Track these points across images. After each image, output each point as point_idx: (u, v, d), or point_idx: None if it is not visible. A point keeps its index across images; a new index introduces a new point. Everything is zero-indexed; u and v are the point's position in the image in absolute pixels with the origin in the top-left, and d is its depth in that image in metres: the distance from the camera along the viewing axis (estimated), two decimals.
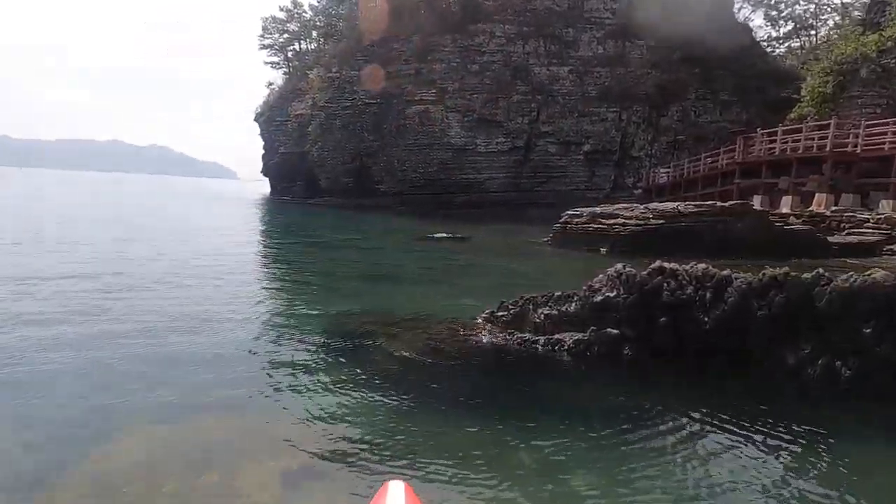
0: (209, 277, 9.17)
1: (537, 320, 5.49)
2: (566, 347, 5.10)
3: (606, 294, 5.14)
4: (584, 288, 5.37)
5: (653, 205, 15.71)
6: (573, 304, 5.30)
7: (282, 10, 63.38)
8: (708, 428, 4.16)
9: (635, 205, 16.10)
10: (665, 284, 5.01)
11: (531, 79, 38.61)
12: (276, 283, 9.61)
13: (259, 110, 58.94)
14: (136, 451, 3.44)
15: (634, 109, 38.98)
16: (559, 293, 5.56)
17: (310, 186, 45.88)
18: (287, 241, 17.27)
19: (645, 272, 5.21)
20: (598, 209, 15.77)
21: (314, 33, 60.80)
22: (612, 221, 15.03)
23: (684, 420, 4.25)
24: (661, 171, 36.37)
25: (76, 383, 4.55)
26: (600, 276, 5.41)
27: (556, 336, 5.20)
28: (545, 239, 16.85)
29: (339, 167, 42.27)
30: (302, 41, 62.81)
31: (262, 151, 58.08)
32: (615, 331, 4.97)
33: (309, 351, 5.56)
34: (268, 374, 4.97)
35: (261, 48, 64.74)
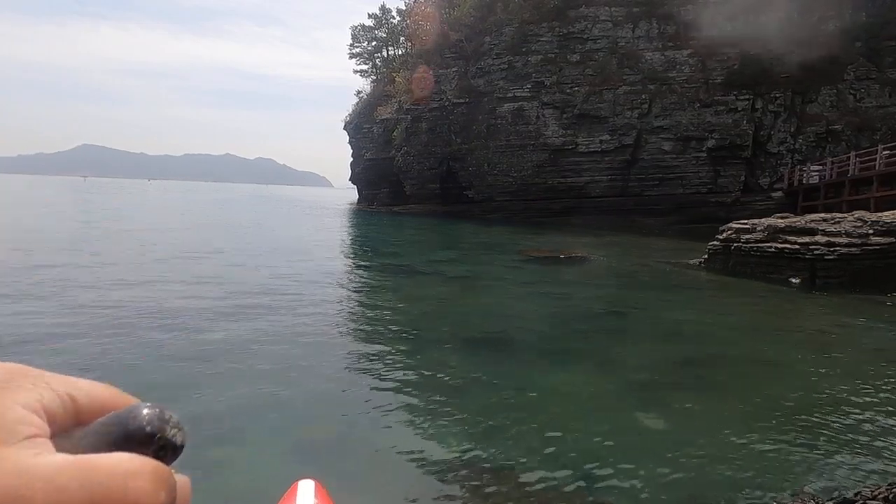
0: (238, 355, 5.93)
1: None
2: None
3: None
4: None
5: (868, 215, 10.80)
6: None
7: (370, 17, 63.19)
8: None
9: (836, 214, 11.24)
10: None
11: (642, 66, 33.51)
12: (329, 359, 5.71)
13: (348, 118, 58.84)
14: None
15: (772, 96, 32.51)
16: None
17: (395, 193, 44.00)
18: (362, 266, 13.38)
19: None
20: (779, 221, 11.16)
21: (401, 38, 59.67)
22: (807, 239, 10.40)
23: None
24: (813, 168, 29.54)
25: None
26: None
27: None
28: (695, 261, 12.47)
29: (425, 172, 39.78)
30: (390, 47, 62.05)
31: (351, 159, 57.84)
32: None
33: None
34: None
35: (350, 57, 65.05)
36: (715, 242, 11.84)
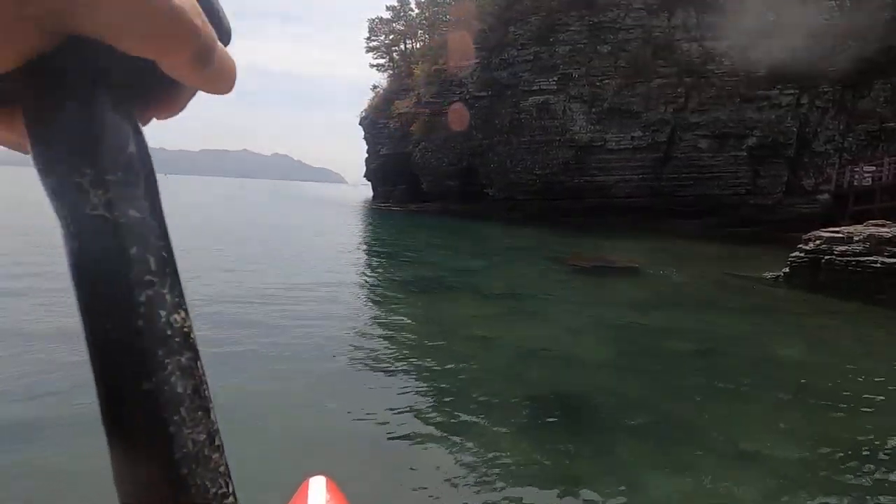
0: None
1: None
2: None
3: None
4: None
5: None
6: None
7: (388, 9, 61.57)
8: None
9: None
10: None
11: (678, 58, 31.34)
12: (339, 432, 3.96)
13: (363, 113, 57.39)
14: None
15: (820, 90, 30.16)
16: None
17: (411, 190, 42.40)
18: (384, 280, 11.18)
19: None
20: (883, 230, 9.24)
21: (419, 32, 58.02)
22: None
23: None
24: (865, 168, 27.24)
25: None
26: None
27: None
28: (769, 274, 10.58)
29: (444, 169, 38.06)
30: (408, 40, 60.39)
31: (366, 155, 56.47)
32: None
33: None
34: None
35: (367, 51, 63.57)
36: (799, 253, 9.93)
